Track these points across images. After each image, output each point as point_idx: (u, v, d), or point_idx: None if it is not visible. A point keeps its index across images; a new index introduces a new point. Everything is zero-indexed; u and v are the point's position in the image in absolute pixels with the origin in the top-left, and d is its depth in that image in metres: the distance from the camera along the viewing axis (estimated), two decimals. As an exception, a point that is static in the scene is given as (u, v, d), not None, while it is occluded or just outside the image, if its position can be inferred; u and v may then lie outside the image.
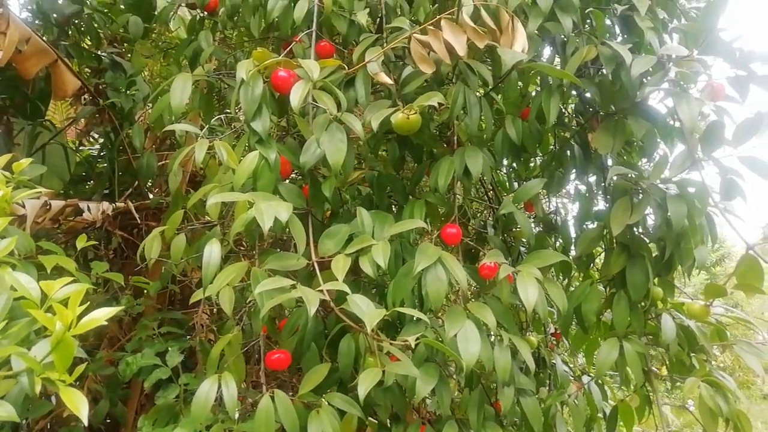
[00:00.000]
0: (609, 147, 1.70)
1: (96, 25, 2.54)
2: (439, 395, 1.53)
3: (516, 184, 2.54)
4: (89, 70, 2.64)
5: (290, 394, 1.43)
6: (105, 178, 2.62)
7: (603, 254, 1.92)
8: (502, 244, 1.99)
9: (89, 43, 2.67)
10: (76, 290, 1.01)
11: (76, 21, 2.57)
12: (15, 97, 2.45)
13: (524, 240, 2.09)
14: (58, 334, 0.97)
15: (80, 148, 3.00)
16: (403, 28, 1.61)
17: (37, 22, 2.52)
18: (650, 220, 1.80)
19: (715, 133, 1.52)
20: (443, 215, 1.81)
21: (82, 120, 2.79)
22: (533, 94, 1.96)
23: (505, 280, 1.54)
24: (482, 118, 1.68)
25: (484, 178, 2.01)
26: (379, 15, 1.80)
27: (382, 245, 1.38)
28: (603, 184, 1.91)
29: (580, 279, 2.04)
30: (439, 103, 1.53)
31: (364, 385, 1.21)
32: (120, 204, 2.24)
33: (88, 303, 1.03)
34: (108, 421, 2.29)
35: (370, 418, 1.87)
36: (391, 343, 1.31)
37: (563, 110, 2.10)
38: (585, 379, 2.03)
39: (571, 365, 2.77)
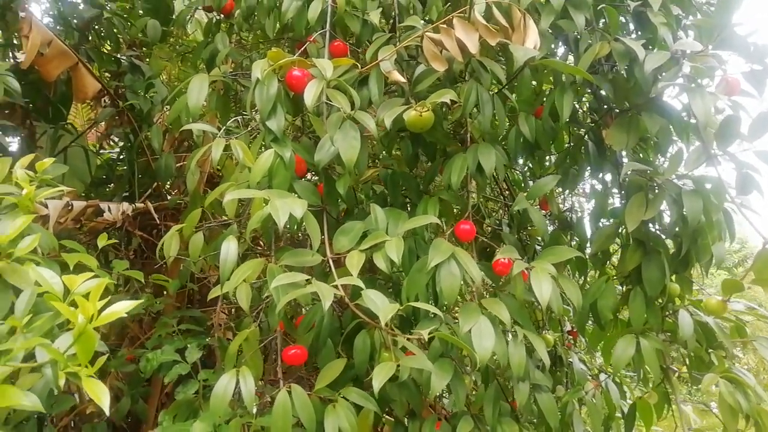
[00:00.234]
0: (623, 143, 1.69)
1: (115, 30, 2.59)
2: (454, 391, 1.54)
3: (531, 183, 2.53)
4: (109, 74, 2.70)
5: (307, 390, 1.45)
6: (125, 181, 2.67)
7: (619, 251, 1.91)
8: (517, 241, 1.99)
9: (109, 47, 2.73)
10: (97, 284, 1.04)
11: (96, 25, 2.63)
12: (37, 100, 2.50)
13: (540, 238, 2.09)
14: (80, 327, 0.99)
15: (101, 151, 3.06)
16: (416, 26, 1.63)
17: (58, 27, 2.58)
18: (667, 217, 1.79)
19: (731, 128, 1.50)
20: (457, 213, 1.82)
21: (103, 123, 2.86)
22: (547, 92, 1.96)
23: (519, 277, 1.54)
24: (495, 115, 1.69)
25: (498, 176, 2.01)
26: (393, 14, 1.81)
27: (395, 241, 1.40)
28: (618, 180, 1.90)
29: (597, 277, 2.03)
30: (452, 101, 1.55)
31: (379, 378, 1.22)
32: (139, 204, 2.28)
33: (109, 297, 1.06)
34: (129, 419, 2.34)
35: (386, 416, 1.88)
36: (406, 338, 1.32)
37: (577, 107, 2.10)
38: (602, 377, 2.02)
39: (589, 364, 2.76)
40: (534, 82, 2.01)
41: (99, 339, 1.11)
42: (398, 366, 1.31)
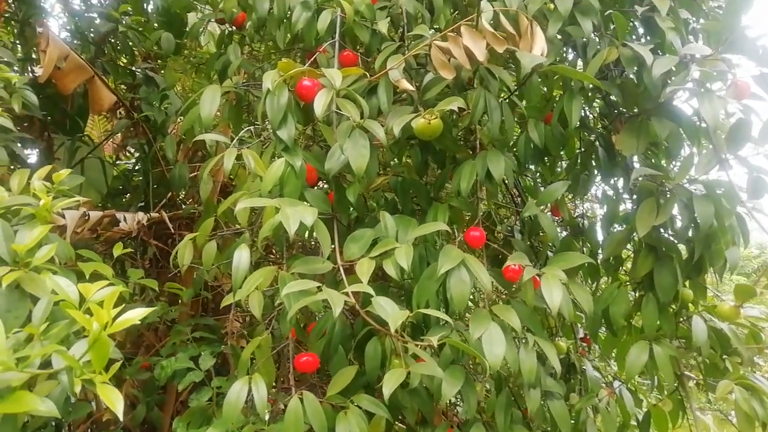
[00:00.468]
0: (633, 148, 1.69)
1: (130, 43, 2.65)
2: (466, 398, 1.54)
3: (543, 189, 2.53)
4: (125, 86, 2.75)
5: (319, 397, 1.46)
6: (141, 191, 2.71)
7: (632, 257, 1.90)
8: (528, 248, 1.99)
9: (125, 60, 2.78)
10: (112, 292, 1.06)
11: (112, 39, 2.68)
12: (55, 113, 2.56)
13: (552, 244, 2.08)
14: (94, 333, 1.01)
15: (117, 162, 3.12)
16: (424, 35, 1.64)
17: (75, 42, 2.64)
18: (679, 222, 1.78)
19: (741, 132, 1.50)
20: (468, 219, 1.83)
21: (119, 135, 2.91)
22: (557, 98, 1.96)
23: (529, 283, 1.54)
24: (504, 122, 1.70)
25: (507, 182, 2.02)
26: (401, 24, 1.83)
27: (405, 248, 1.41)
28: (629, 186, 1.90)
29: (609, 283, 2.02)
30: (461, 108, 1.56)
31: (389, 385, 1.22)
32: (154, 214, 2.32)
33: (123, 306, 1.08)
34: (145, 427, 2.36)
35: (398, 423, 1.88)
36: (416, 345, 1.33)
37: (587, 113, 2.10)
38: (616, 385, 2.00)
39: (603, 372, 2.73)
40: (545, 89, 2.02)
41: (114, 346, 1.13)
42: (409, 373, 1.31)
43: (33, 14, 2.53)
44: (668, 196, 1.63)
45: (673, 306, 1.72)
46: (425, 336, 1.58)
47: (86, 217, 1.94)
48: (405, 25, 1.81)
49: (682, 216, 1.63)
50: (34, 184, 1.45)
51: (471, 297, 2.68)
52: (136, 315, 1.07)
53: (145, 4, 2.84)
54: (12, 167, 1.94)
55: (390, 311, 1.28)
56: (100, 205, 2.65)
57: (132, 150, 3.08)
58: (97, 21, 2.62)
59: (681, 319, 1.77)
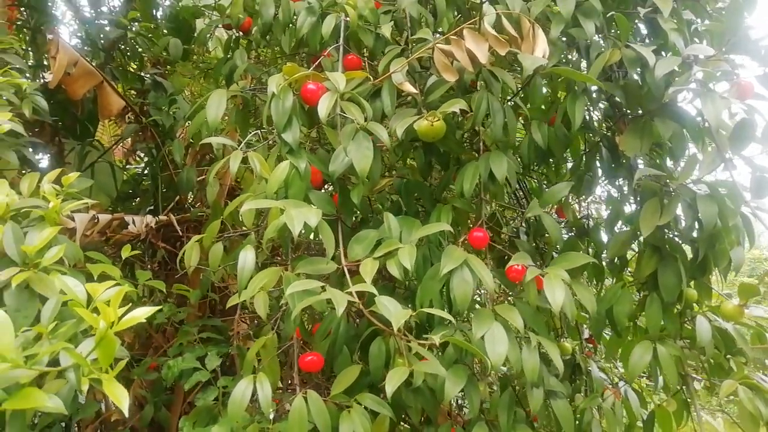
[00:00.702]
0: (636, 149, 1.70)
1: (139, 49, 2.68)
2: (469, 397, 1.55)
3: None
4: (134, 92, 2.79)
5: (324, 397, 1.47)
6: (150, 195, 2.75)
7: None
8: (533, 249, 2.00)
9: (134, 66, 2.83)
10: (118, 291, 1.08)
11: (122, 45, 2.72)
12: (65, 119, 2.60)
13: (557, 246, 2.09)
14: (101, 331, 1.03)
15: (127, 166, 3.16)
16: (427, 39, 1.66)
17: (86, 48, 2.68)
18: (683, 222, 1.78)
19: (745, 132, 1.50)
20: (473, 221, 1.84)
21: (129, 140, 2.95)
22: (561, 100, 1.97)
23: (532, 283, 1.55)
24: (507, 124, 1.71)
25: (511, 183, 2.02)
26: (405, 28, 1.85)
27: (408, 248, 1.42)
28: (633, 186, 1.90)
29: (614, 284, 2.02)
30: (465, 111, 1.57)
31: (391, 383, 1.24)
32: (163, 217, 2.35)
33: (130, 305, 1.10)
34: (153, 427, 2.38)
35: (403, 424, 1.89)
36: (419, 343, 1.34)
37: (591, 114, 2.10)
38: (622, 386, 2.00)
39: (610, 373, 2.73)
40: (549, 91, 2.03)
41: (121, 346, 1.15)
42: (412, 372, 1.32)
43: (44, 22, 2.58)
44: (672, 196, 1.64)
45: (678, 306, 1.71)
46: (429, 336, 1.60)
47: (95, 220, 1.97)
48: (409, 28, 1.83)
49: (685, 216, 1.63)
50: (43, 187, 1.48)
51: (478, 298, 2.68)
52: (141, 314, 1.09)
53: (154, 11, 2.88)
54: (23, 171, 1.98)
55: (393, 310, 1.30)
56: (110, 208, 2.69)
57: (141, 154, 3.12)
58: (107, 28, 2.67)
59: (685, 320, 1.77)
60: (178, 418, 2.38)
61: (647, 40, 1.92)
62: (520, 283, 1.62)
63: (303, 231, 1.34)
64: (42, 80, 2.51)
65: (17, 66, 1.90)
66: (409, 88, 1.61)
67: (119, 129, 3.30)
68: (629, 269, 2.07)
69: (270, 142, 1.88)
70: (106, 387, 1.03)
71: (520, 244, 1.91)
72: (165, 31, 2.80)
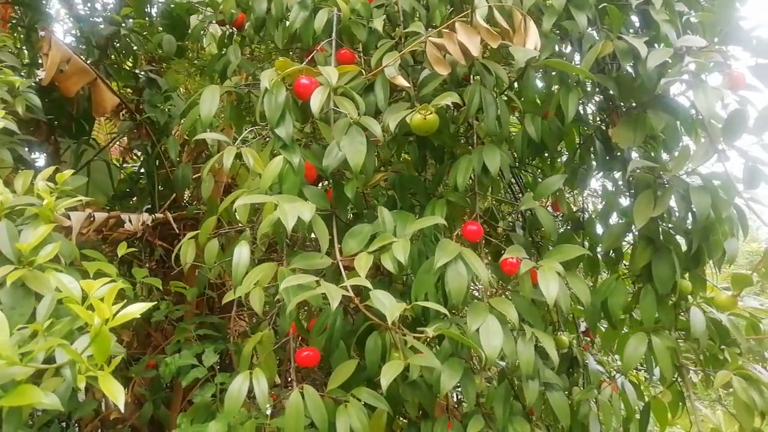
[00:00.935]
0: (630, 141, 1.70)
1: (134, 46, 2.68)
2: (465, 390, 1.56)
3: (541, 183, 2.53)
4: (130, 89, 2.79)
5: (321, 392, 1.48)
6: (146, 193, 2.75)
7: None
8: (529, 242, 2.00)
9: (129, 64, 2.82)
10: (112, 288, 1.08)
11: (117, 42, 2.72)
12: (61, 117, 2.60)
13: (553, 239, 2.09)
14: (96, 328, 1.03)
15: (124, 165, 3.16)
16: (420, 32, 1.66)
17: (81, 46, 2.68)
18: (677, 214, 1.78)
19: (737, 123, 1.50)
20: (468, 215, 1.84)
21: (125, 138, 2.95)
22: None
23: (526, 275, 1.55)
24: (501, 117, 1.71)
25: (504, 176, 2.02)
26: (398, 22, 1.85)
27: (402, 242, 1.42)
28: (626, 178, 1.90)
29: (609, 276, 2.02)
30: (458, 104, 1.57)
31: (387, 376, 1.24)
32: (159, 215, 2.35)
33: (125, 301, 1.10)
34: (152, 425, 2.39)
35: (401, 418, 1.90)
36: (414, 337, 1.34)
37: (585, 107, 2.10)
38: (619, 378, 2.01)
39: (607, 367, 2.74)
40: (543, 84, 2.03)
41: (117, 343, 1.15)
42: (408, 365, 1.33)
43: (38, 20, 2.57)
44: (665, 188, 1.64)
45: (672, 298, 1.72)
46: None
47: (92, 218, 1.97)
48: (402, 22, 1.83)
49: (679, 207, 1.63)
50: (37, 184, 1.48)
51: (475, 293, 2.69)
52: (136, 310, 1.09)
53: (147, 7, 2.88)
54: (17, 169, 1.98)
55: (388, 304, 1.30)
56: (107, 207, 2.69)
57: (138, 153, 3.12)
58: (101, 26, 2.66)
59: (680, 311, 1.77)
60: (177, 416, 2.39)
61: (640, 32, 1.92)
62: (515, 276, 1.63)
63: (297, 226, 1.35)
64: (37, 78, 2.51)
65: (11, 64, 1.90)
66: (401, 81, 1.61)
67: (115, 128, 3.30)
68: (624, 262, 2.08)
69: (265, 139, 1.88)
70: (102, 383, 1.03)
71: (515, 238, 1.92)
72: (159, 27, 2.80)
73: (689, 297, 1.78)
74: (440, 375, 1.46)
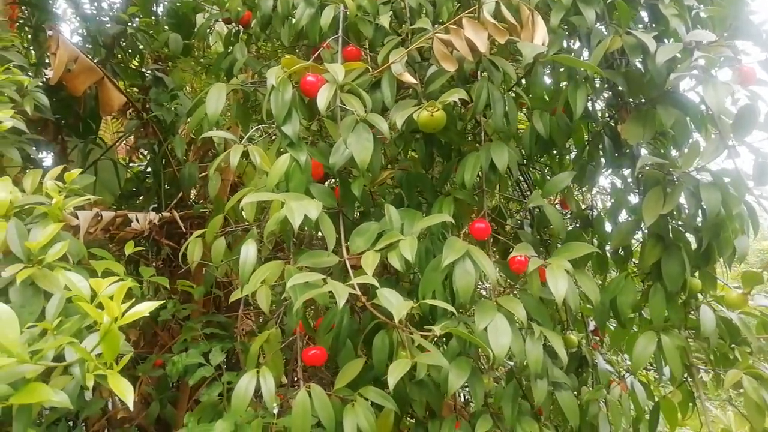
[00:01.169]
0: (639, 137, 1.68)
1: (140, 45, 2.69)
2: (473, 389, 1.55)
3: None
4: (136, 89, 2.79)
5: (328, 392, 1.47)
6: (153, 192, 2.75)
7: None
8: (537, 240, 1.99)
9: (135, 63, 2.83)
10: (121, 286, 1.08)
11: (123, 41, 2.73)
12: (68, 117, 2.61)
13: (561, 237, 2.08)
14: (105, 326, 1.03)
15: (130, 164, 3.16)
16: (426, 29, 1.65)
17: (87, 45, 2.68)
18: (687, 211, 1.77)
19: (748, 118, 1.49)
20: (475, 213, 1.83)
21: (132, 137, 2.95)
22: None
23: (535, 274, 1.54)
24: (508, 113, 1.70)
25: (512, 174, 2.01)
26: (404, 18, 1.84)
27: (409, 240, 1.41)
28: (636, 175, 1.89)
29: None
30: (466, 101, 1.56)
31: (393, 375, 1.23)
32: (166, 214, 2.35)
33: (134, 299, 1.10)
34: (159, 424, 2.39)
35: (408, 418, 1.89)
36: (421, 335, 1.34)
37: (594, 103, 2.09)
38: (628, 378, 1.99)
39: (617, 366, 2.72)
40: (552, 80, 2.01)
41: (125, 341, 1.15)
42: (415, 364, 1.32)
43: (45, 19, 2.58)
44: (675, 184, 1.62)
45: (682, 296, 1.70)
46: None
47: (99, 218, 1.97)
48: (408, 19, 1.82)
49: (688, 204, 1.62)
50: (46, 183, 1.48)
51: (483, 292, 2.68)
52: (144, 308, 1.09)
53: (154, 6, 2.88)
54: (26, 169, 1.98)
55: (395, 302, 1.29)
56: (113, 206, 2.69)
57: (145, 152, 3.13)
58: (108, 25, 2.67)
59: (690, 310, 1.76)
60: (184, 415, 2.39)
61: (648, 27, 1.90)
62: (523, 275, 1.62)
63: (304, 224, 1.34)
64: (44, 77, 2.52)
65: (19, 64, 1.90)
66: (408, 78, 1.60)
67: (122, 127, 3.31)
68: (633, 260, 2.06)
69: (272, 137, 1.88)
70: (111, 382, 1.03)
71: (523, 236, 1.91)
72: (165, 26, 2.80)
73: (699, 295, 1.76)
74: (448, 374, 1.45)
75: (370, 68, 1.65)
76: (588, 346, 2.23)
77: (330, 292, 1.29)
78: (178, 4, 2.74)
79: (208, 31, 2.43)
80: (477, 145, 1.84)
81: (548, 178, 2.57)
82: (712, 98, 1.43)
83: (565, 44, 1.87)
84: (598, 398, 1.79)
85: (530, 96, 1.88)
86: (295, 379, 1.95)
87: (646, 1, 1.69)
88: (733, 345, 1.70)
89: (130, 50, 2.79)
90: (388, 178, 1.85)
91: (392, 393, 1.30)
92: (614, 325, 2.11)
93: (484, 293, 2.69)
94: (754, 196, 1.53)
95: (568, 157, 2.36)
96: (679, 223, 1.76)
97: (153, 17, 2.84)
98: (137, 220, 2.24)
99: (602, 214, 2.14)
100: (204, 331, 2.08)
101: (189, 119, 2.61)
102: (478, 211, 1.78)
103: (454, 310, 1.38)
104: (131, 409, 1.04)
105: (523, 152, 2.01)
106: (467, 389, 2.41)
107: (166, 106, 2.49)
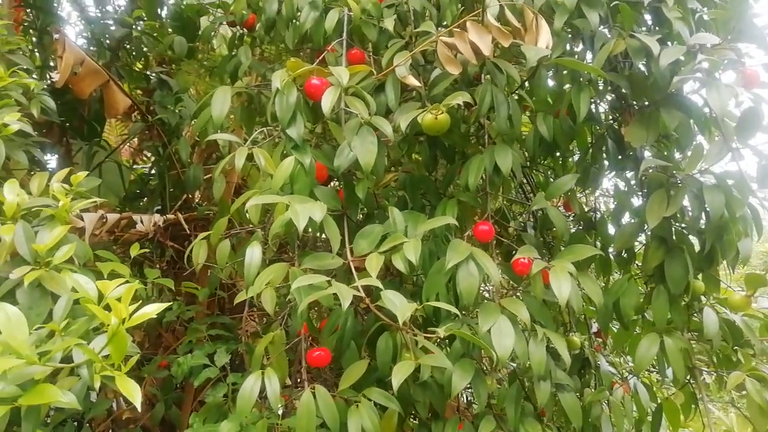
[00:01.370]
0: (642, 140, 1.69)
1: (145, 48, 2.70)
2: (476, 391, 1.55)
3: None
4: (140, 91, 2.80)
5: (332, 393, 1.48)
6: (157, 194, 2.76)
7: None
8: (540, 243, 2.00)
9: (140, 65, 2.84)
10: (128, 288, 1.09)
11: (128, 44, 2.74)
12: (73, 119, 2.62)
13: (565, 239, 2.08)
14: (113, 328, 1.04)
15: (134, 166, 3.18)
16: (430, 32, 1.66)
17: (92, 48, 2.70)
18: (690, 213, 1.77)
19: (751, 121, 1.49)
20: (479, 215, 1.84)
21: (136, 139, 2.97)
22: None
23: (538, 276, 1.55)
24: (512, 116, 1.70)
25: (516, 176, 2.02)
26: (409, 21, 1.85)
27: (413, 242, 1.42)
28: (639, 177, 1.89)
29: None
30: (470, 104, 1.57)
31: (398, 377, 1.24)
32: (170, 216, 2.36)
33: (140, 302, 1.11)
34: (163, 425, 2.40)
35: (411, 419, 1.90)
36: (425, 337, 1.34)
37: (598, 106, 2.09)
38: (631, 380, 1.99)
39: (620, 368, 2.72)
40: (555, 83, 2.02)
41: (132, 343, 1.16)
42: (419, 366, 1.33)
43: (51, 22, 2.60)
44: (679, 187, 1.63)
45: (685, 298, 1.71)
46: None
47: (104, 220, 1.98)
48: (412, 22, 1.83)
49: (692, 207, 1.62)
50: (53, 186, 1.49)
51: (486, 294, 2.68)
52: (152, 310, 1.10)
53: (158, 9, 2.89)
54: (32, 171, 1.99)
55: (399, 304, 1.30)
56: (118, 208, 2.71)
57: (149, 154, 3.14)
58: (112, 27, 2.68)
59: (693, 312, 1.76)
60: (189, 416, 2.40)
61: (652, 30, 1.91)
62: (526, 277, 1.62)
63: (309, 226, 1.35)
64: (49, 80, 2.53)
65: (25, 66, 1.91)
66: (412, 81, 1.61)
67: (126, 129, 3.32)
68: (637, 262, 2.07)
69: (276, 140, 1.89)
70: (118, 383, 1.04)
71: (527, 238, 1.91)
72: (170, 29, 2.81)
73: (702, 297, 1.77)
74: (451, 375, 1.46)
75: (374, 71, 1.65)
76: (591, 347, 2.24)
77: (334, 294, 1.30)
78: (182, 7, 2.75)
79: (212, 34, 2.44)
80: (480, 147, 1.85)
81: (551, 180, 2.57)
82: (716, 101, 1.44)
83: (568, 47, 1.88)
84: (600, 400, 1.80)
85: (534, 99, 1.88)
86: (300, 380, 1.96)
87: (649, 4, 1.69)
88: (736, 347, 1.70)
89: (134, 53, 2.81)
90: (391, 181, 1.86)
91: (396, 394, 1.31)
92: (617, 327, 2.12)
93: (488, 295, 2.69)
94: (758, 198, 1.54)
95: (571, 159, 2.36)
96: (683, 225, 1.77)
97: (157, 20, 2.85)
98: (142, 222, 2.24)
99: (605, 216, 2.14)
100: (209, 332, 2.09)
101: (193, 122, 2.63)
102: (481, 213, 1.79)
103: (458, 312, 1.38)
104: (139, 409, 1.05)
105: (527, 155, 2.02)
106: (470, 391, 2.42)
107: (170, 108, 2.50)
